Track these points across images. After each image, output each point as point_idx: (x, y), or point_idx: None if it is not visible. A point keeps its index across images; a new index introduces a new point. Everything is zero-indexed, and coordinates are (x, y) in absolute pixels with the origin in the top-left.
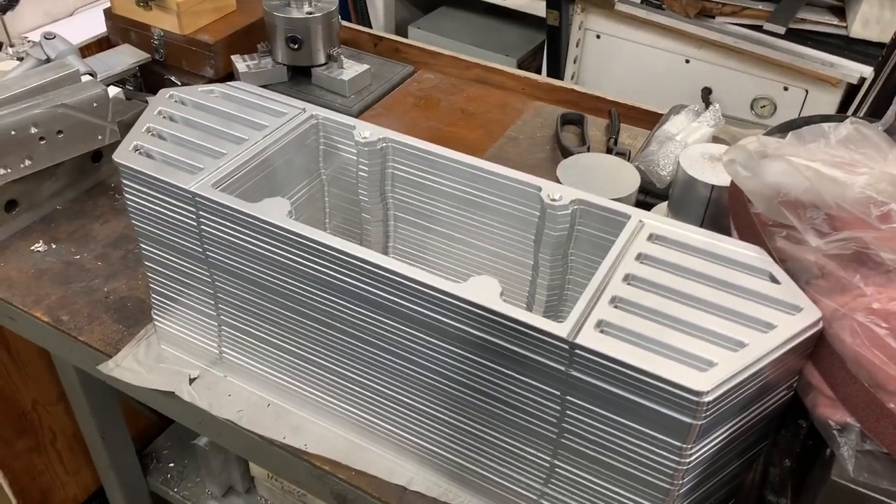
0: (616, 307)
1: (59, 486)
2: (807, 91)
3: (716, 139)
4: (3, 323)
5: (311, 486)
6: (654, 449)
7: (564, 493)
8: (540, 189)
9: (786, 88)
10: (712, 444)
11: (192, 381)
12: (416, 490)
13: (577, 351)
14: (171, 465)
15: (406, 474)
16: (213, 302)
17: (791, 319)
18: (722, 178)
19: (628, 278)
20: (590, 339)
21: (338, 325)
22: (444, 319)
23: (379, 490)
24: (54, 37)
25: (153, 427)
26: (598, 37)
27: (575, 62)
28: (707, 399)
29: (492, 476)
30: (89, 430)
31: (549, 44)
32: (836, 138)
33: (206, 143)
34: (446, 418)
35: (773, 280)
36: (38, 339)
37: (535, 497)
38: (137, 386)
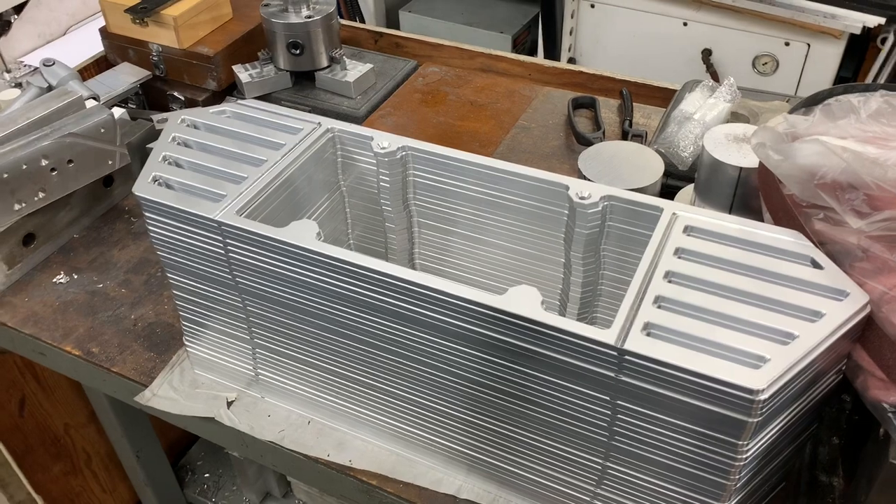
0: (660, 307)
1: None
2: (808, 45)
3: (734, 115)
4: (34, 358)
5: (360, 501)
6: (710, 447)
7: (618, 493)
8: (567, 188)
9: (787, 44)
10: (768, 436)
11: (229, 404)
12: (467, 498)
13: (626, 357)
14: (207, 475)
15: (455, 483)
16: (245, 326)
17: (839, 306)
18: (749, 160)
19: (669, 275)
20: (638, 343)
21: (376, 342)
22: (484, 332)
23: (428, 501)
24: (53, 63)
25: (186, 437)
26: (593, 6)
27: (571, 34)
28: (763, 397)
29: (543, 480)
30: (123, 450)
31: (544, 17)
32: (866, 113)
33: (225, 168)
34: (492, 427)
35: (816, 265)
36: (70, 373)
37: (587, 499)
38: (176, 414)
